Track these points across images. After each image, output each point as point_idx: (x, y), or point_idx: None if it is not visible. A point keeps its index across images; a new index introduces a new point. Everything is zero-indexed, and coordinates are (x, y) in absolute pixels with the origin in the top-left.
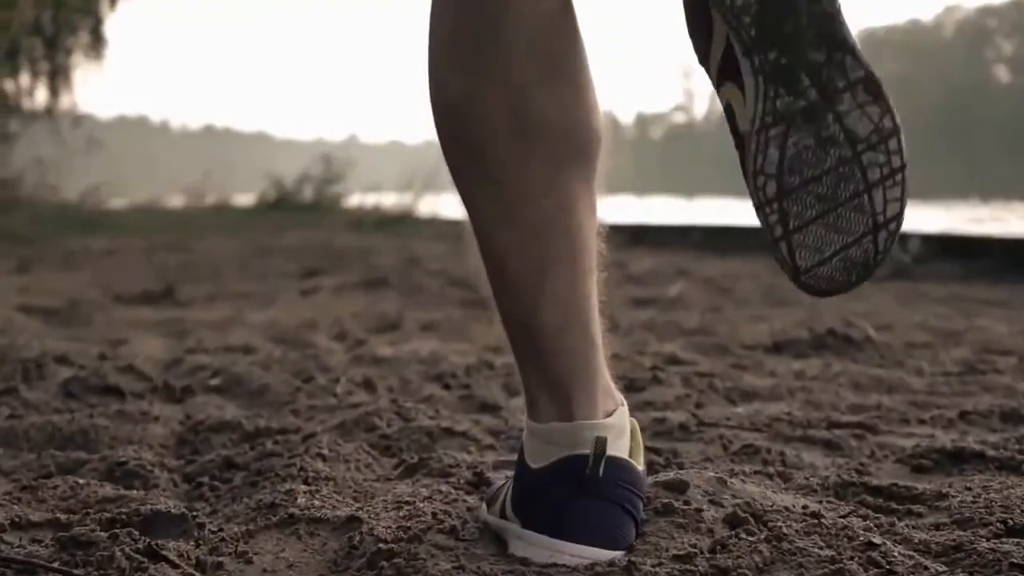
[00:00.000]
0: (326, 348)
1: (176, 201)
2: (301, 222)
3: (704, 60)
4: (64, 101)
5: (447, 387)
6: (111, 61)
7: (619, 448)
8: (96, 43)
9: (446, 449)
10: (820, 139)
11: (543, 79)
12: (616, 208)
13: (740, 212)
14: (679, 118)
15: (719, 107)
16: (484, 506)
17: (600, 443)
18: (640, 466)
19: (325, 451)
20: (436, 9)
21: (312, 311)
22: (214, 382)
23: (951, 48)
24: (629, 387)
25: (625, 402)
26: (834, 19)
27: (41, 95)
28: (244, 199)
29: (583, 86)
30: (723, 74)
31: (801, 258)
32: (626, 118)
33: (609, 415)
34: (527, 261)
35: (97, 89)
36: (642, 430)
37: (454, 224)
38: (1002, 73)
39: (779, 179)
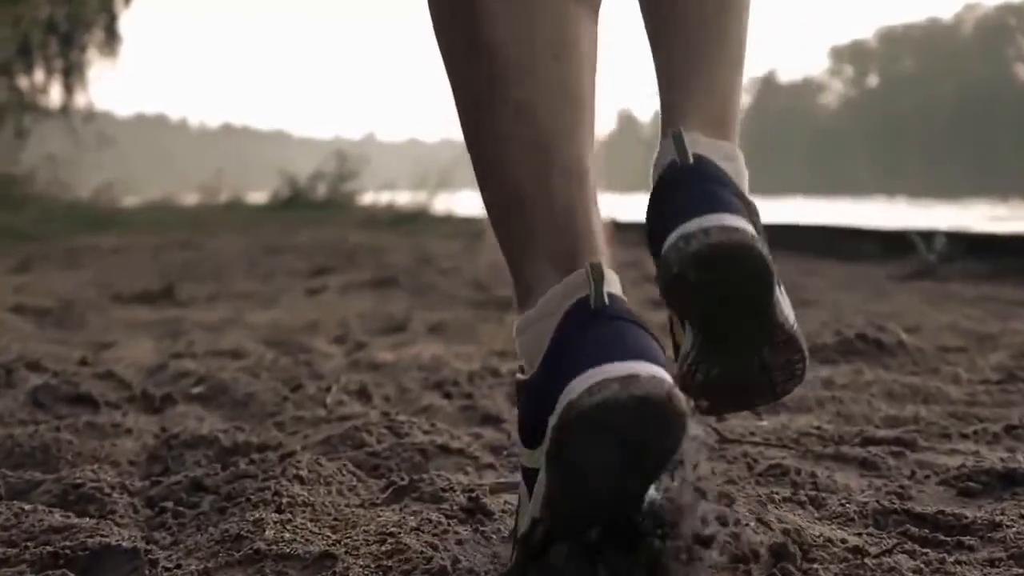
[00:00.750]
0: (323, 352)
1: (189, 199)
2: (314, 220)
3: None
4: (79, 99)
5: (447, 396)
6: (130, 59)
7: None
8: (111, 40)
9: (440, 469)
10: (741, 374)
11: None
12: (632, 206)
13: (761, 210)
14: None
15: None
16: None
17: (595, 268)
18: None
19: (304, 472)
20: None
21: (316, 311)
22: (197, 390)
23: (970, 46)
24: None
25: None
26: (775, 320)
27: (56, 92)
28: (258, 197)
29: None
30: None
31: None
32: (644, 116)
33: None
34: (536, 126)
35: (115, 87)
36: None
37: (468, 222)
38: (1022, 71)
39: (702, 390)
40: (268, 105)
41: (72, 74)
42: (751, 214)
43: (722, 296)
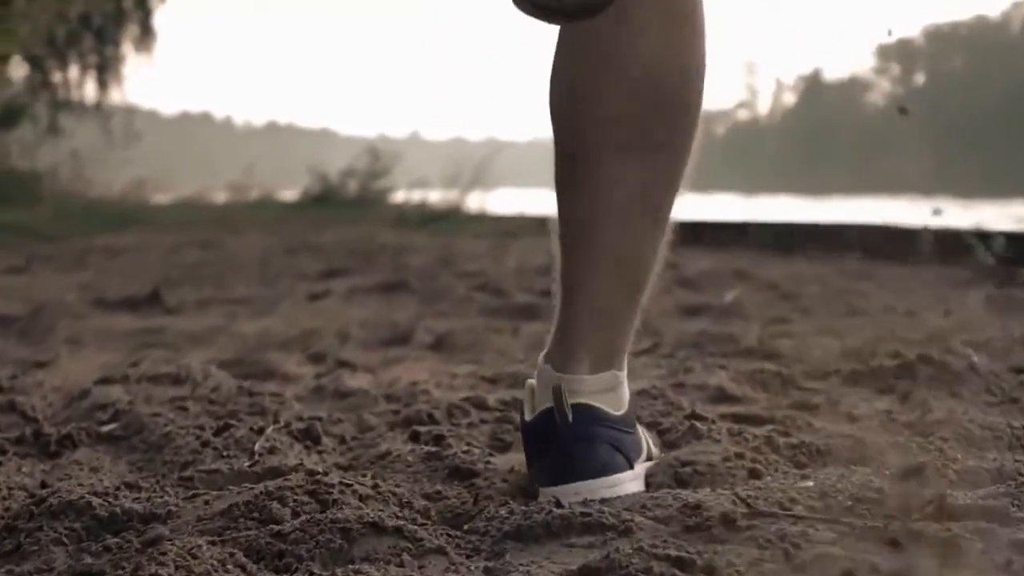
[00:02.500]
0: (288, 375)
1: (220, 196)
2: (343, 218)
3: None
4: (113, 95)
5: (414, 438)
6: (174, 57)
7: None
8: (145, 35)
9: (366, 558)
10: None
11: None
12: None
13: (804, 210)
14: (743, 115)
15: (782, 104)
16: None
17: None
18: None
19: (169, 569)
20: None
21: (314, 319)
22: (108, 428)
23: (1018, 44)
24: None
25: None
26: None
27: (90, 88)
28: (291, 194)
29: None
30: None
31: None
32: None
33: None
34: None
35: (160, 85)
36: (667, 520)
37: (501, 220)
38: None
39: None
40: (313, 103)
41: (106, 69)
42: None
43: None
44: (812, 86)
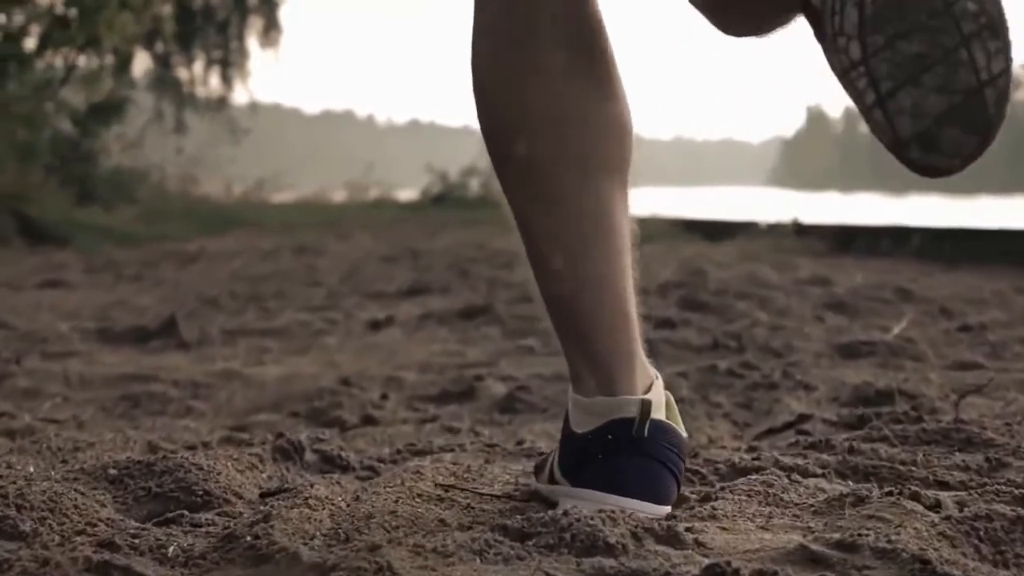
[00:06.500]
0: (234, 495)
1: (339, 196)
2: (461, 220)
3: None
4: (238, 91)
5: None
6: (316, 57)
7: (659, 415)
8: (270, 30)
9: None
10: None
11: (577, 73)
12: (820, 205)
13: (965, 212)
14: None
15: None
16: (533, 476)
17: (646, 406)
18: (682, 430)
19: None
20: (478, 2)
21: (356, 361)
22: None
23: None
24: None
25: (659, 375)
26: None
27: (215, 83)
28: (411, 193)
29: (614, 78)
30: None
31: (900, 126)
32: (834, 112)
33: (648, 389)
34: (563, 246)
35: (305, 84)
36: None
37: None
38: None
39: (862, 38)
40: (455, 101)
41: (230, 65)
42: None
43: None
44: None
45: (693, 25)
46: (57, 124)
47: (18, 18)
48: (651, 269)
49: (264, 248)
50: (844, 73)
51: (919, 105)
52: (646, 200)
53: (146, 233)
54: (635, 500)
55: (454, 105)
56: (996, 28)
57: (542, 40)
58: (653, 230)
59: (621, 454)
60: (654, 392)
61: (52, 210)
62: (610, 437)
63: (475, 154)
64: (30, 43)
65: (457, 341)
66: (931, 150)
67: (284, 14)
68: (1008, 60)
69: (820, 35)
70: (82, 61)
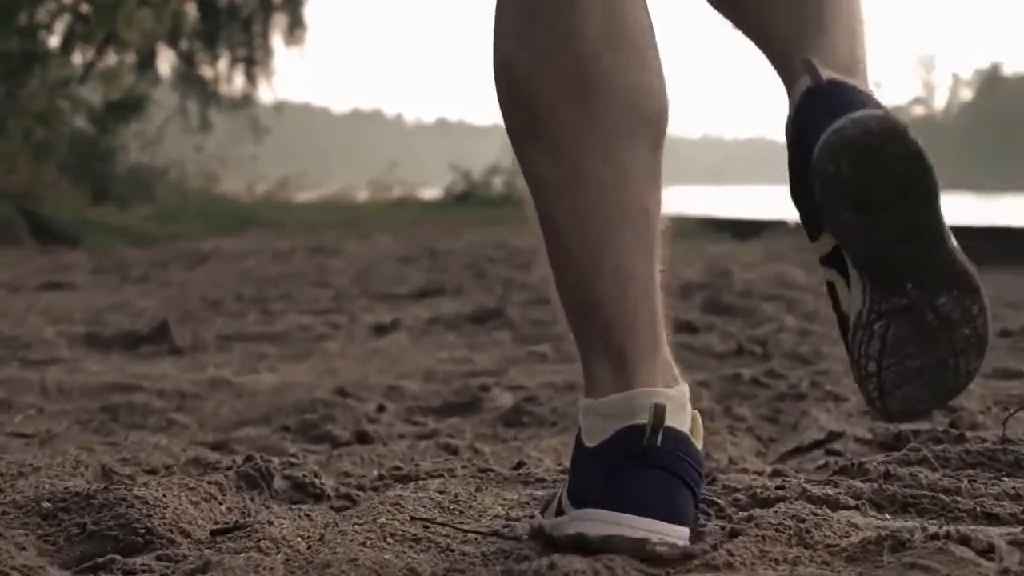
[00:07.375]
0: (182, 533)
1: (362, 195)
2: (483, 219)
3: (808, 233)
4: (263, 89)
5: None
6: (344, 57)
7: (678, 422)
8: (294, 27)
9: None
10: (918, 329)
11: (609, 44)
12: None
13: (994, 210)
14: (918, 111)
15: (959, 100)
16: (538, 514)
17: (658, 411)
18: (699, 445)
19: None
20: None
21: (357, 368)
22: None
23: None
24: None
25: (686, 384)
26: (943, 242)
27: (239, 82)
28: (434, 192)
29: (649, 51)
30: (827, 263)
31: (891, 406)
32: None
33: (669, 388)
34: (586, 231)
35: (335, 82)
36: None
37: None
38: None
39: (880, 360)
40: (484, 100)
41: (255, 63)
42: None
43: (880, 198)
44: (991, 80)
45: (723, 22)
46: (74, 122)
47: (42, 15)
48: (675, 268)
49: (279, 248)
50: (860, 379)
51: (910, 397)
52: (674, 198)
53: (160, 233)
54: (649, 519)
55: (482, 103)
56: (981, 348)
57: (576, 5)
58: (680, 228)
59: (631, 467)
60: (676, 391)
61: (65, 209)
62: (620, 448)
63: (499, 152)
64: (53, 41)
65: (465, 347)
66: (907, 419)
67: (313, 13)
68: (978, 368)
69: (847, 346)
70: (106, 58)
